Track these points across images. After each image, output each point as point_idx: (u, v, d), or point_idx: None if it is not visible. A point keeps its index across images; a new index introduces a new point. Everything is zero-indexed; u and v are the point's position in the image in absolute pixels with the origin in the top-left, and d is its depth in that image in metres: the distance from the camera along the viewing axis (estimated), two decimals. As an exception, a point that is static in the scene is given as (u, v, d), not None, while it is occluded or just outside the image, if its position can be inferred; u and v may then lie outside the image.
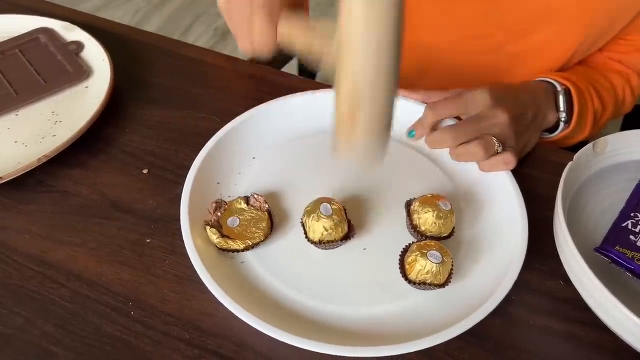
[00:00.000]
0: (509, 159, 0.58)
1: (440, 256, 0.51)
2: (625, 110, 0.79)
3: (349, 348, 0.47)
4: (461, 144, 0.59)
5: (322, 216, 0.53)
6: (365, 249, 0.57)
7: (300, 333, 0.48)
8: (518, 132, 0.60)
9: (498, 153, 0.59)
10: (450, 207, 0.55)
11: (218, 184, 0.61)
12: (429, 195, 0.56)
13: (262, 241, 0.55)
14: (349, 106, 0.40)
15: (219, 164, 0.62)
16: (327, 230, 0.53)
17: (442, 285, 0.52)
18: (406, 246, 0.55)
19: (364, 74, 0.39)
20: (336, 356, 0.48)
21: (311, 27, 0.48)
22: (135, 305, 0.52)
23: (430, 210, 0.54)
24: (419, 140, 0.64)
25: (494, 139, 0.58)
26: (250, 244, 0.55)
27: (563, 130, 0.68)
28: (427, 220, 0.54)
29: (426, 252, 0.51)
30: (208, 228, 0.55)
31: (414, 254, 0.52)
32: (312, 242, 0.55)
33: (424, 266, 0.51)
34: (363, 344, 0.48)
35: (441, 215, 0.54)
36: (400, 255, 0.54)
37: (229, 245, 0.54)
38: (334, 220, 0.53)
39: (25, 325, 0.51)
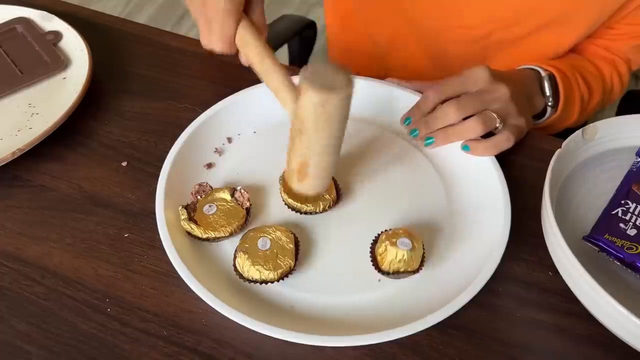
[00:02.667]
0: (509, 136, 0.57)
1: (409, 242, 0.50)
2: (614, 97, 0.78)
3: (328, 338, 0.46)
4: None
5: (259, 251, 0.51)
6: (354, 235, 0.56)
7: (278, 324, 0.47)
8: (519, 106, 0.59)
9: (497, 128, 0.58)
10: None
11: (195, 174, 0.60)
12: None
13: (225, 237, 0.54)
14: (300, 166, 0.48)
15: (195, 154, 0.61)
16: (263, 270, 0.50)
17: (416, 271, 0.51)
18: (375, 237, 0.54)
19: (314, 150, 0.46)
20: (317, 348, 0.47)
21: (261, 45, 0.51)
22: (112, 302, 0.51)
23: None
24: (400, 126, 0.62)
25: (494, 114, 0.57)
26: (213, 235, 0.53)
27: (551, 115, 0.67)
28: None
29: (395, 240, 0.50)
30: (180, 207, 0.54)
31: (383, 244, 0.51)
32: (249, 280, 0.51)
33: (395, 255, 0.50)
34: (343, 334, 0.47)
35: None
36: (370, 247, 0.53)
37: (192, 230, 0.53)
38: (271, 256, 0.51)
39: (-2, 324, 0.50)
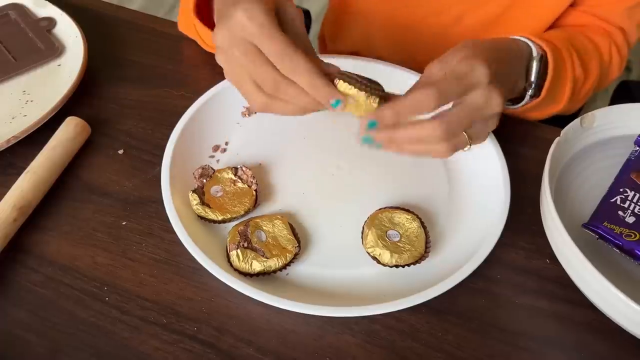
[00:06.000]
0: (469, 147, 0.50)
1: (398, 234, 0.51)
2: (613, 75, 0.72)
3: (323, 308, 0.47)
4: None
5: (256, 243, 0.51)
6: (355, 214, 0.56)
7: (278, 294, 0.48)
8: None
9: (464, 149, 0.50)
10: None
11: (196, 160, 0.59)
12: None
13: (241, 215, 0.54)
14: None
15: (196, 139, 0.61)
16: (266, 261, 0.50)
17: (395, 266, 0.51)
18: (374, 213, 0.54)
19: None
20: (316, 336, 0.47)
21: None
22: (110, 290, 0.51)
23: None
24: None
25: (466, 137, 0.48)
26: (229, 216, 0.53)
27: (527, 102, 0.60)
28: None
29: (384, 231, 0.51)
30: (190, 193, 0.54)
31: (369, 228, 0.52)
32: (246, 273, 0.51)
33: (374, 242, 0.51)
34: (340, 305, 0.48)
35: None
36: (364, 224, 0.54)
37: (207, 214, 0.53)
38: (271, 247, 0.51)
39: (-5, 312, 0.49)
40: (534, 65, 0.58)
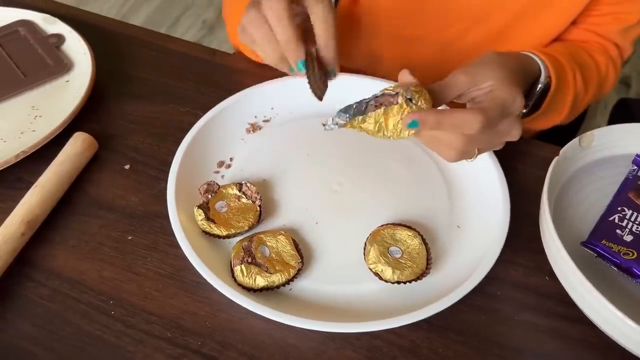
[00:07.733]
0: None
1: (400, 250, 0.52)
2: (608, 89, 0.75)
3: (325, 323, 0.48)
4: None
5: (260, 259, 0.52)
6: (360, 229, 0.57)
7: (280, 309, 0.49)
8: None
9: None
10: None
11: (201, 175, 0.60)
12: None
13: (245, 231, 0.55)
14: None
15: (206, 150, 0.62)
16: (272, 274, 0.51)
17: (397, 282, 0.51)
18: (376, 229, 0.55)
19: None
20: (318, 351, 0.48)
21: None
22: (116, 304, 0.52)
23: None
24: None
25: (476, 151, 0.52)
26: (233, 232, 0.54)
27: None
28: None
29: (386, 248, 0.52)
30: (195, 208, 0.55)
31: (371, 244, 0.53)
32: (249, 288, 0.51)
33: (376, 258, 0.52)
34: (341, 320, 0.49)
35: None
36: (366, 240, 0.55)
37: (212, 229, 0.54)
38: (275, 263, 0.52)
39: (2, 325, 0.50)
40: (538, 89, 0.60)
